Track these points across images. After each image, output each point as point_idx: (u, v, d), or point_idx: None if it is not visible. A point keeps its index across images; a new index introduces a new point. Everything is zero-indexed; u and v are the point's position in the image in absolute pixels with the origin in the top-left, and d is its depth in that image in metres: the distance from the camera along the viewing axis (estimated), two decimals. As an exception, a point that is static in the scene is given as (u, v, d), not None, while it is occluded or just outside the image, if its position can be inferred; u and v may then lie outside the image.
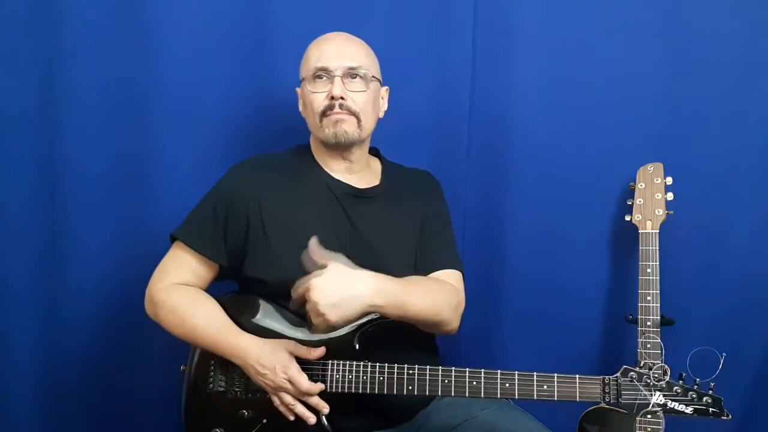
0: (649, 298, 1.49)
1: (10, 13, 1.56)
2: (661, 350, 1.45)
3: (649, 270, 1.50)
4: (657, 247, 1.51)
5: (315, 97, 1.31)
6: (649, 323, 1.48)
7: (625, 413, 1.52)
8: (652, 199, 1.54)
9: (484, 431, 1.26)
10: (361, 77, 1.32)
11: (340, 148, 1.34)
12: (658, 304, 1.48)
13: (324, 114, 1.30)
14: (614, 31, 1.62)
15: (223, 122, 1.64)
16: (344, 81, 1.30)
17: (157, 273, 1.34)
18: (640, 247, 1.52)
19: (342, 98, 1.29)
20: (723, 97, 1.60)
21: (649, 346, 1.47)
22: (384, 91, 1.42)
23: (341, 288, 1.14)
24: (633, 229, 1.55)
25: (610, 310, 1.68)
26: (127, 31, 1.58)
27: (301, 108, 1.40)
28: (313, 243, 1.16)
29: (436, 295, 1.28)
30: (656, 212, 1.53)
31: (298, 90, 1.40)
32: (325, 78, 1.31)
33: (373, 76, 1.34)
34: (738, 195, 1.61)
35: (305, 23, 1.61)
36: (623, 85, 1.62)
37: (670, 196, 1.54)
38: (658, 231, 1.52)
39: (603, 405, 1.55)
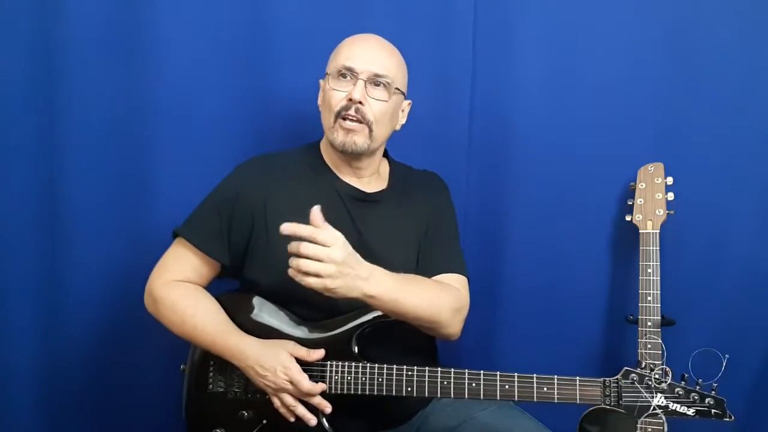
0: (649, 298, 1.48)
1: (10, 15, 1.56)
2: (662, 351, 1.44)
3: (649, 270, 1.49)
4: (657, 247, 1.51)
5: (334, 94, 1.29)
6: (649, 323, 1.47)
7: (625, 413, 1.52)
8: (652, 199, 1.54)
9: (483, 432, 1.25)
10: (384, 86, 1.30)
11: (348, 156, 1.32)
12: (659, 305, 1.48)
13: (339, 114, 1.28)
14: (614, 31, 1.62)
15: (222, 123, 1.64)
16: (367, 86, 1.28)
17: (157, 269, 1.33)
18: (641, 247, 1.52)
19: (360, 103, 1.27)
20: (723, 96, 1.59)
21: (649, 346, 1.47)
22: (406, 105, 1.39)
23: (350, 261, 1.10)
24: (633, 229, 1.55)
25: (610, 311, 1.68)
26: (127, 30, 1.58)
27: (319, 101, 1.37)
28: (317, 211, 1.08)
29: (435, 296, 1.25)
30: (657, 212, 1.53)
31: (321, 82, 1.37)
32: (349, 78, 1.28)
33: (397, 88, 1.32)
34: (738, 195, 1.61)
35: (305, 24, 1.62)
36: (623, 85, 1.62)
37: (670, 196, 1.54)
38: (658, 231, 1.52)
39: (604, 405, 1.55)
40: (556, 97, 1.64)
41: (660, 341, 1.46)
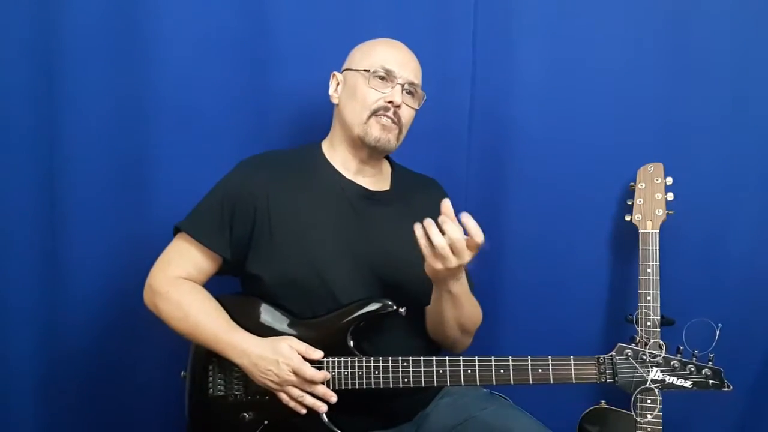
0: (649, 298, 1.48)
1: (10, 15, 1.56)
2: (662, 350, 1.44)
3: (649, 270, 1.49)
4: (657, 247, 1.51)
5: (371, 92, 1.32)
6: (649, 323, 1.47)
7: (625, 413, 1.52)
8: (652, 199, 1.54)
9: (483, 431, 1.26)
10: (415, 96, 1.36)
11: (370, 151, 1.35)
12: (659, 305, 1.48)
13: (375, 113, 1.31)
14: (614, 31, 1.62)
15: (223, 121, 1.63)
16: (402, 92, 1.33)
17: (159, 263, 1.34)
18: (641, 247, 1.52)
19: (398, 107, 1.31)
20: (723, 96, 1.60)
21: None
22: None
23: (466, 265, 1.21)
24: (633, 229, 1.55)
25: (610, 311, 1.68)
26: (128, 27, 1.58)
27: (337, 93, 1.38)
28: (449, 203, 1.18)
29: (477, 310, 1.37)
30: (656, 212, 1.53)
31: (338, 75, 1.39)
32: (387, 81, 1.33)
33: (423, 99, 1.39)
34: (738, 195, 1.61)
35: (305, 23, 1.62)
36: (623, 85, 1.63)
37: (670, 196, 1.54)
38: (658, 231, 1.52)
39: (603, 405, 1.55)
40: (556, 97, 1.65)
41: (660, 341, 1.46)
